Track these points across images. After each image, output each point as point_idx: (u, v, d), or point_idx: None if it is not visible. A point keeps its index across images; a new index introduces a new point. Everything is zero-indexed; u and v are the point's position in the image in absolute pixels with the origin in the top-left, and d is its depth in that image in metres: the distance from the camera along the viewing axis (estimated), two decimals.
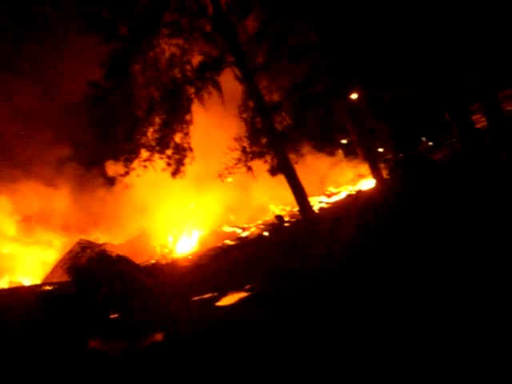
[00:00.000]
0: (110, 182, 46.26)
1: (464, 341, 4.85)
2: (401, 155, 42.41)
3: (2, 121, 43.89)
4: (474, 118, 29.26)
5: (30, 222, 42.47)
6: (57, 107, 47.88)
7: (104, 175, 47.42)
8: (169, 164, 22.33)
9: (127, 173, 22.35)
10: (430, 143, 54.82)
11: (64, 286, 19.37)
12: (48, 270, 36.84)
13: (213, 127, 38.48)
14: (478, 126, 30.96)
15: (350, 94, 24.30)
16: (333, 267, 10.44)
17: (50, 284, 22.11)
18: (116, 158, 27.27)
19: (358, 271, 9.11)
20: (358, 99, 25.64)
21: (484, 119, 31.14)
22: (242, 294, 11.49)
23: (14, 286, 27.86)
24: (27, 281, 35.33)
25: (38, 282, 32.02)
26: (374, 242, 11.23)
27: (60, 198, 47.78)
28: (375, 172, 24.36)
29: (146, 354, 8.79)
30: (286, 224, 29.99)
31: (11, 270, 38.08)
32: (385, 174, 25.91)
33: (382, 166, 26.65)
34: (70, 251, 21.10)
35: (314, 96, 22.64)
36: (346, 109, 24.22)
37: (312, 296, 8.67)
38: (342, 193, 41.28)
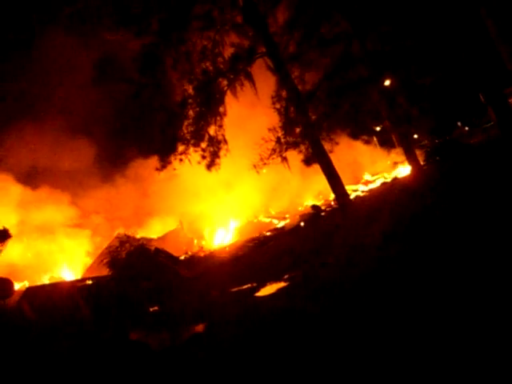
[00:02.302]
0: (145, 176, 46.67)
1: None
2: (437, 141, 41.92)
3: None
4: (511, 100, 28.69)
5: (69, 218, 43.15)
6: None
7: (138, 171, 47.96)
8: (204, 157, 22.38)
9: (163, 167, 22.46)
10: (466, 128, 54.07)
11: (104, 281, 19.66)
12: (88, 264, 37.35)
13: (247, 118, 38.52)
14: None
15: (383, 80, 24.04)
16: (370, 256, 10.37)
17: (90, 279, 22.43)
18: (149, 154, 27.41)
19: (396, 260, 9.02)
20: (391, 85, 25.35)
21: None
22: (281, 284, 11.49)
23: (55, 281, 28.22)
24: (68, 276, 35.87)
25: (79, 277, 32.42)
26: (410, 231, 11.12)
27: (95, 195, 48.51)
28: (411, 159, 24.08)
29: (187, 345, 8.85)
30: (323, 213, 29.87)
31: (52, 266, 38.72)
32: (421, 160, 25.65)
33: (417, 152, 26.36)
34: (110, 246, 21.42)
35: (348, 84, 22.43)
36: (380, 95, 23.98)
37: (350, 286, 8.63)
38: (378, 181, 40.98)
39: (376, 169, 47.76)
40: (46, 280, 32.65)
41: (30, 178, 44.34)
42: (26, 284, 26.73)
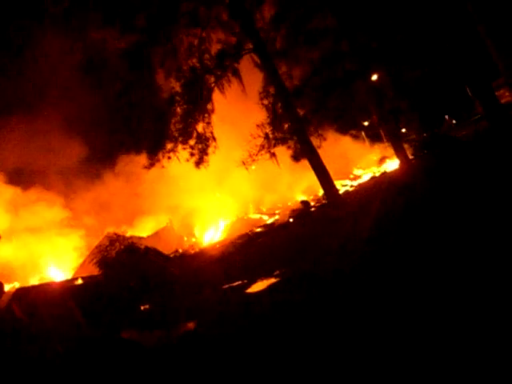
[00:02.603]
0: (134, 174, 46.61)
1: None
2: (425, 135, 42.10)
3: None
4: (498, 93, 28.83)
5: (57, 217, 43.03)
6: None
7: (127, 169, 47.92)
8: (192, 154, 22.39)
9: (152, 165, 22.47)
10: (454, 121, 54.32)
11: (95, 280, 19.61)
12: (78, 264, 37.24)
13: (234, 115, 38.50)
14: (503, 101, 30.52)
15: (371, 75, 24.13)
16: (358, 251, 10.41)
17: (80, 278, 22.37)
18: (138, 152, 27.35)
19: (384, 254, 9.06)
20: (379, 80, 25.45)
21: (509, 94, 30.74)
22: (272, 280, 11.50)
23: (45, 281, 28.12)
24: (58, 276, 35.74)
25: (69, 276, 32.32)
26: (399, 225, 11.17)
27: (85, 194, 48.42)
28: (399, 153, 24.21)
29: (179, 343, 8.86)
30: (312, 209, 29.93)
31: (42, 266, 38.60)
32: (409, 154, 25.76)
33: (405, 146, 26.48)
34: (99, 245, 21.35)
35: (335, 79, 22.50)
36: (368, 90, 24.07)
37: (339, 281, 8.66)
38: (367, 175, 41.09)
39: (365, 163, 47.89)
40: (35, 281, 32.52)
41: (18, 177, 44.09)
42: (16, 285, 26.62)
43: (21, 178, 44.28)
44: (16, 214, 39.91)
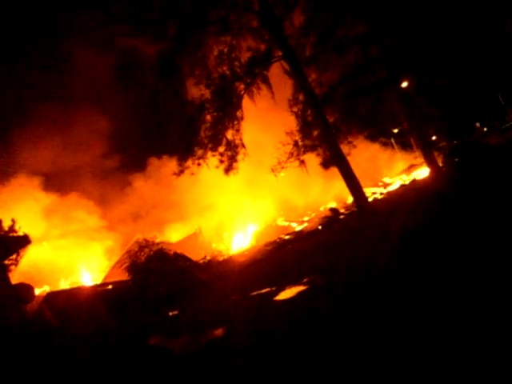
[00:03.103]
0: (164, 180, 46.99)
1: None
2: (455, 142, 41.64)
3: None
4: None
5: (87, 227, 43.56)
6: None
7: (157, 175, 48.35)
8: (221, 161, 22.44)
9: (182, 171, 22.55)
10: (485, 129, 53.68)
11: (124, 285, 19.75)
12: (108, 269, 37.59)
13: (264, 122, 38.57)
14: None
15: (401, 81, 23.97)
16: (386, 261, 10.31)
17: (110, 283, 22.53)
18: (168, 159, 27.50)
19: (415, 263, 8.95)
20: (408, 87, 25.28)
21: None
22: (301, 288, 11.42)
23: (75, 286, 28.40)
24: (88, 281, 36.10)
25: (99, 281, 32.61)
26: (429, 234, 11.03)
27: (116, 200, 48.91)
28: (429, 160, 24.00)
29: (207, 349, 8.86)
30: (341, 216, 29.79)
31: (72, 271, 39.04)
32: (440, 162, 25.49)
33: (436, 154, 26.22)
34: (129, 250, 21.50)
35: (365, 86, 22.40)
36: (397, 97, 23.93)
37: (369, 288, 8.59)
38: (396, 183, 40.78)
39: (394, 171, 47.58)
40: (66, 285, 32.90)
41: (51, 182, 44.85)
42: (47, 289, 26.93)
43: (53, 184, 45.04)
44: (48, 219, 40.51)
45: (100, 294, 17.84)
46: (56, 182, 45.39)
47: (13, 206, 37.17)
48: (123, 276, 20.79)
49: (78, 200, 44.65)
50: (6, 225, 19.80)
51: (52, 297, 16.39)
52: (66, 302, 15.48)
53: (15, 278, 18.13)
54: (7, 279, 16.73)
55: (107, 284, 22.34)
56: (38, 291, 22.13)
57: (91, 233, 42.76)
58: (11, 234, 19.35)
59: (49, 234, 39.15)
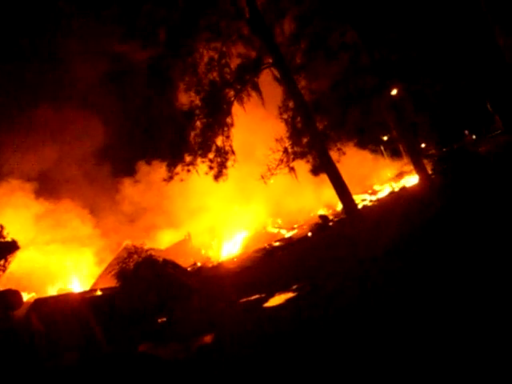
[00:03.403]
0: (152, 186, 46.97)
1: None
2: (444, 150, 41.80)
3: None
4: None
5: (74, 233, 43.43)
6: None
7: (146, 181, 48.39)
8: (211, 167, 22.44)
9: (171, 178, 22.52)
10: (473, 136, 53.94)
11: (113, 292, 19.67)
12: (97, 276, 37.42)
13: (254, 129, 38.58)
14: None
15: (390, 89, 24.08)
16: (375, 267, 10.34)
17: (99, 290, 22.42)
18: (158, 165, 27.48)
19: (402, 272, 8.97)
20: (398, 95, 25.40)
21: None
22: (290, 295, 11.44)
23: (63, 292, 28.24)
24: (77, 287, 35.91)
25: (87, 288, 32.47)
26: (419, 241, 11.07)
27: (104, 206, 48.80)
28: (418, 168, 24.11)
29: (196, 356, 8.84)
30: (331, 223, 29.82)
31: (61, 277, 38.82)
32: (429, 169, 25.60)
33: (425, 161, 26.32)
34: (118, 257, 21.43)
35: (355, 93, 22.50)
36: (387, 105, 24.03)
37: (357, 294, 8.61)
38: (385, 190, 40.88)
39: (383, 178, 47.72)
40: (54, 291, 32.72)
41: (41, 187, 44.72)
42: (35, 295, 26.77)
43: (43, 189, 44.86)
44: (38, 224, 40.34)
45: (88, 301, 17.75)
46: (45, 187, 45.00)
47: (2, 211, 37.02)
48: (112, 283, 20.69)
49: (68, 206, 44.48)
50: None
51: (40, 303, 16.26)
52: (54, 308, 15.37)
53: (2, 283, 18.02)
54: None
55: (96, 290, 22.23)
56: (25, 297, 22.01)
57: (80, 238, 42.59)
58: None
59: (38, 239, 38.95)
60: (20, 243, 19.31)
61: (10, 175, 42.57)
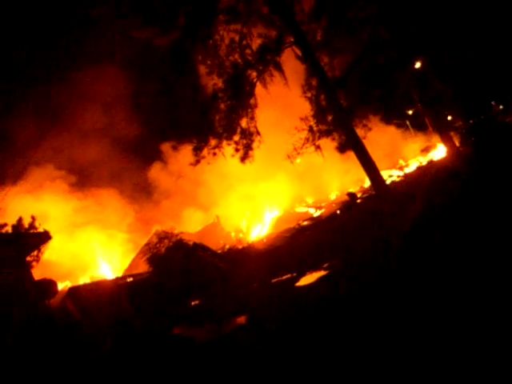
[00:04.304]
0: (179, 172, 47.17)
1: None
2: (471, 121, 41.25)
3: None
4: None
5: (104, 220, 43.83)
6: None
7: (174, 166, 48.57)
8: (237, 150, 22.38)
9: (198, 161, 22.53)
10: (501, 106, 53.12)
11: (145, 277, 19.88)
12: (129, 262, 37.82)
13: (278, 109, 38.43)
14: None
15: (413, 62, 23.76)
16: (403, 244, 10.26)
17: (131, 276, 22.70)
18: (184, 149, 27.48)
19: (429, 250, 8.86)
20: (422, 67, 25.05)
21: None
22: (321, 273, 11.44)
23: (97, 280, 28.63)
24: (109, 274, 36.37)
25: (120, 274, 32.84)
26: (446, 218, 10.93)
27: (134, 193, 49.18)
28: (446, 141, 23.84)
29: (230, 337, 8.90)
30: (359, 200, 29.70)
31: (91, 265, 39.36)
32: (456, 141, 25.30)
33: (452, 133, 26.01)
34: (148, 242, 21.62)
35: (377, 68, 22.22)
36: (411, 79, 23.73)
37: (388, 273, 8.56)
38: (413, 164, 40.56)
39: (411, 153, 47.30)
40: (86, 279, 33.16)
41: (71, 174, 45.25)
42: (69, 284, 27.17)
43: (73, 176, 45.38)
44: (67, 213, 40.80)
45: (122, 287, 18.00)
46: (78, 174, 45.59)
47: (39, 198, 37.70)
48: (144, 268, 20.93)
49: (99, 193, 44.99)
50: (27, 222, 20.01)
51: (75, 291, 16.55)
52: (88, 295, 15.62)
53: (37, 273, 18.31)
54: (30, 275, 16.89)
55: (128, 276, 22.50)
56: (60, 286, 22.36)
57: (112, 225, 43.04)
58: (31, 231, 19.54)
59: (70, 228, 39.45)
60: (53, 232, 19.58)
61: (45, 164, 43.20)
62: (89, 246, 40.48)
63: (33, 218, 20.10)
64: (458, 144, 25.28)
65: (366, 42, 22.62)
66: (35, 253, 19.13)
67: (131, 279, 21.45)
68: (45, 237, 18.95)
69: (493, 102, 54.10)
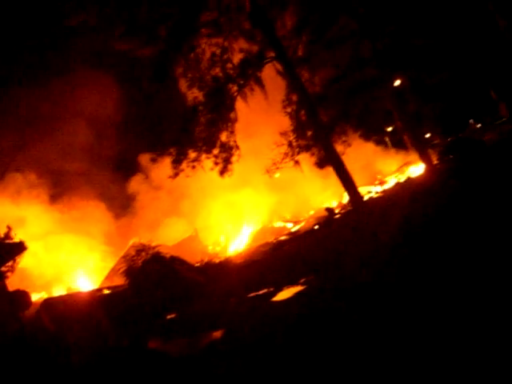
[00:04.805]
0: (158, 185, 47.04)
1: None
2: (449, 139, 41.71)
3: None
4: None
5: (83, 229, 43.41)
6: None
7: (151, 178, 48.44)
8: (216, 163, 22.39)
9: (177, 174, 22.49)
10: (478, 125, 53.80)
11: (121, 290, 19.73)
12: (105, 274, 37.53)
13: (258, 123, 38.56)
14: None
15: (393, 80, 24.03)
16: (381, 260, 10.32)
17: (107, 288, 22.51)
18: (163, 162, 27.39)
19: (408, 264, 8.93)
20: (401, 85, 25.35)
21: None
22: (298, 288, 11.44)
23: (72, 292, 28.36)
24: (85, 286, 36.03)
25: (96, 286, 32.57)
26: (425, 232, 11.04)
27: (110, 204, 48.86)
28: (424, 158, 24.07)
29: (205, 352, 8.85)
30: (337, 216, 29.80)
31: (69, 276, 38.96)
32: (434, 159, 25.57)
33: (430, 151, 26.29)
34: (126, 255, 21.48)
35: (358, 85, 22.44)
36: (390, 96, 23.98)
37: (364, 289, 8.59)
38: (391, 181, 40.83)
39: (389, 169, 47.63)
40: (62, 290, 32.83)
41: (49, 183, 44.92)
42: (44, 295, 26.87)
43: (51, 185, 45.08)
44: (45, 223, 40.43)
45: (97, 300, 17.82)
46: (54, 183, 45.31)
47: (17, 207, 37.37)
48: (120, 281, 20.76)
49: (76, 203, 44.62)
50: (2, 232, 19.80)
51: (49, 303, 16.35)
52: (63, 307, 15.45)
53: (12, 284, 18.10)
54: (4, 286, 16.69)
55: (104, 289, 22.32)
56: (36, 297, 22.12)
57: (88, 237, 42.68)
58: (7, 241, 19.34)
59: (47, 237, 39.09)
60: (30, 242, 19.42)
61: (25, 172, 42.87)
62: (66, 256, 40.13)
63: (8, 227, 19.90)
64: (435, 161, 25.55)
65: (346, 58, 22.85)
66: (10, 263, 18.93)
67: (107, 291, 21.26)
68: (20, 247, 18.78)
69: (471, 121, 54.80)
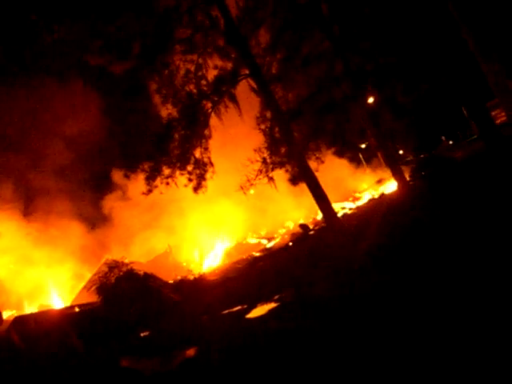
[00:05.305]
0: (132, 201, 46.80)
1: None
2: (422, 156, 42.25)
3: None
4: (493, 113, 29.04)
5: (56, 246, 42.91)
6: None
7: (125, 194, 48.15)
8: (190, 180, 22.36)
9: (150, 191, 22.40)
10: (450, 142, 54.62)
11: (94, 307, 19.53)
12: (77, 291, 37.14)
13: (232, 140, 38.68)
14: (498, 121, 30.71)
15: (367, 97, 24.28)
16: (355, 276, 10.39)
17: (79, 305, 22.25)
18: (136, 178, 27.29)
19: (384, 280, 9.01)
20: (374, 102, 25.61)
21: (503, 114, 30.94)
22: (272, 305, 11.45)
23: (44, 309, 28.00)
24: (57, 303, 35.61)
25: (68, 304, 32.19)
26: (399, 246, 11.16)
27: (83, 220, 48.45)
28: (397, 174, 24.28)
29: (178, 370, 8.79)
30: (311, 232, 29.90)
31: (40, 294, 38.49)
32: (407, 176, 25.84)
33: (403, 167, 26.56)
34: (98, 272, 21.30)
35: (331, 102, 22.61)
36: (364, 113, 24.19)
37: (340, 305, 8.62)
38: (365, 197, 41.13)
39: (362, 186, 48.03)
40: (34, 307, 32.42)
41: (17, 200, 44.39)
42: (14, 313, 26.49)
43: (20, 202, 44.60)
44: (17, 240, 39.96)
45: (69, 317, 17.61)
46: (26, 200, 44.88)
47: None
48: (93, 298, 20.56)
49: (46, 220, 44.14)
50: None
51: (20, 320, 16.12)
52: (34, 325, 15.25)
53: None
54: None
55: (76, 306, 22.06)
56: (6, 315, 21.79)
57: (59, 254, 42.20)
58: None
59: (15, 257, 38.59)
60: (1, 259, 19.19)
61: None
62: (39, 274, 39.66)
63: None
64: (408, 178, 25.82)
65: (320, 76, 23.02)
66: None
67: (79, 309, 21.02)
68: None
69: (443, 138, 55.61)
